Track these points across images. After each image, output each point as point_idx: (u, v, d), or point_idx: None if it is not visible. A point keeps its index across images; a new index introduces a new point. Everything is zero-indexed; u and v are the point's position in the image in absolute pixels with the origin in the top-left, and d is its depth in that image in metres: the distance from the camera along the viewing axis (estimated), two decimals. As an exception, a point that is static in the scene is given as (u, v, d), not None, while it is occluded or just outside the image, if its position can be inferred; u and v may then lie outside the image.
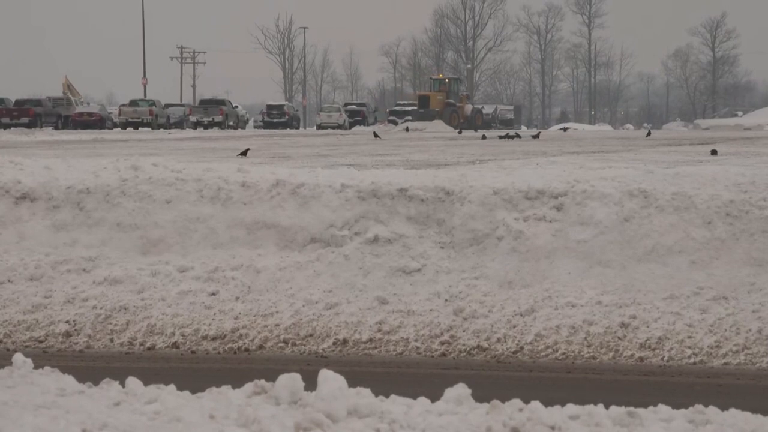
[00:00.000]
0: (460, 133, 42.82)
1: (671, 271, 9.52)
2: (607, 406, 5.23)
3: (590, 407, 5.18)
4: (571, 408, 5.18)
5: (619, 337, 8.91)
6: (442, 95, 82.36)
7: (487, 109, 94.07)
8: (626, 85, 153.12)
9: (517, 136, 42.55)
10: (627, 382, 8.27)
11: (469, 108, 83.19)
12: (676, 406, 5.37)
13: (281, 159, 21.88)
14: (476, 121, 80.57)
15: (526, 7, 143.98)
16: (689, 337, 8.83)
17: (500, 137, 41.79)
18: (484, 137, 41.31)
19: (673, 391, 7.90)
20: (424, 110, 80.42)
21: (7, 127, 62.23)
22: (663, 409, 5.30)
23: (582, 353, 8.83)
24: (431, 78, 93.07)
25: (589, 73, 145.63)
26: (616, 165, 16.20)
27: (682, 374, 8.45)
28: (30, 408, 4.84)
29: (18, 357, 5.89)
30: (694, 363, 8.64)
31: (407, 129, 61.18)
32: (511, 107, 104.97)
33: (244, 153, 22.96)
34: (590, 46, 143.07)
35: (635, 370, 8.58)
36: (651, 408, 5.30)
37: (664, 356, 8.72)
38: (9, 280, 10.01)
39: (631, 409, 5.20)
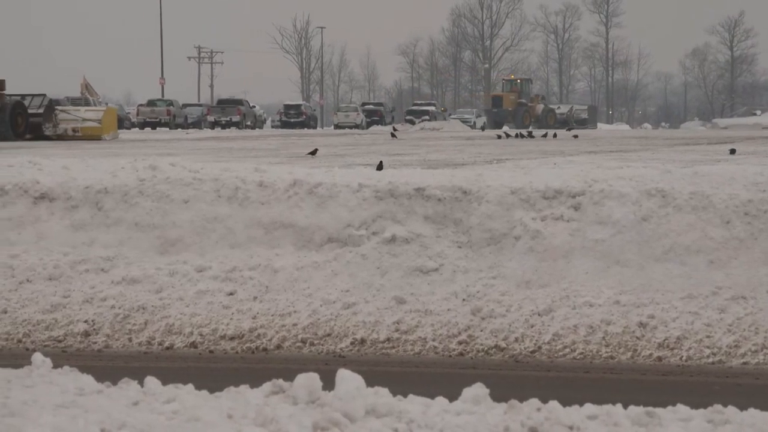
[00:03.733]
0: (530, 134, 42.94)
1: (689, 270, 9.50)
2: (625, 406, 5.22)
3: (608, 407, 5.17)
4: (589, 408, 5.17)
5: (637, 337, 8.89)
6: (514, 95, 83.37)
7: (563, 109, 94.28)
8: (644, 85, 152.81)
9: (530, 135, 42.54)
10: (645, 382, 8.25)
11: (540, 108, 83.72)
12: (695, 405, 5.35)
13: (299, 159, 21.90)
14: (548, 121, 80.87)
15: (543, 7, 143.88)
16: (708, 336, 8.81)
17: (516, 136, 41.85)
18: (499, 137, 41.32)
19: (691, 391, 7.88)
20: (497, 110, 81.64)
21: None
22: (682, 408, 5.29)
23: (600, 353, 8.82)
24: (503, 79, 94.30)
25: (607, 73, 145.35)
26: (634, 164, 16.16)
27: (701, 374, 8.42)
28: (49, 407, 4.85)
29: (37, 356, 5.90)
30: (713, 363, 8.62)
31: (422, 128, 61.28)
32: (586, 107, 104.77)
33: (313, 153, 22.98)
34: (608, 46, 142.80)
35: (653, 369, 8.56)
36: (670, 408, 5.28)
37: (682, 356, 8.70)
38: (28, 280, 10.04)
39: (650, 408, 5.19)
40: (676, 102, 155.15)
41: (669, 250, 9.69)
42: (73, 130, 40.75)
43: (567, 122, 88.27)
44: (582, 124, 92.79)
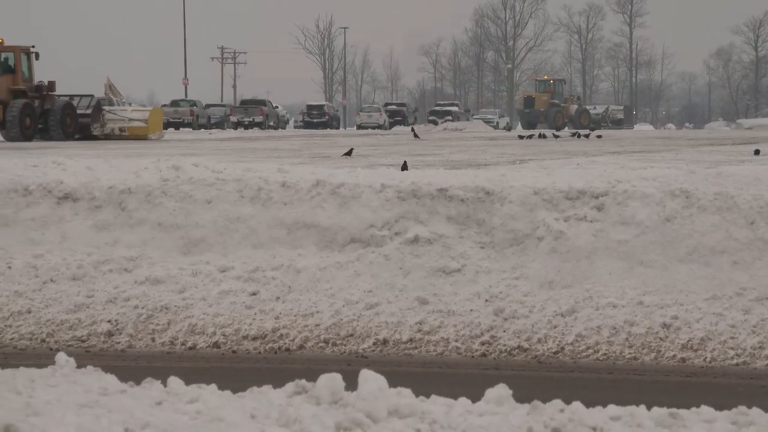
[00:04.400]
0: (556, 136, 43.03)
1: (713, 271, 9.46)
2: (649, 407, 5.21)
3: (632, 408, 5.16)
4: (612, 409, 5.16)
5: (660, 338, 8.86)
6: (546, 96, 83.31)
7: (598, 109, 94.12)
8: (668, 85, 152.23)
9: (543, 136, 42.52)
10: (669, 383, 8.22)
11: (573, 108, 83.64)
12: (719, 407, 5.33)
13: (321, 159, 21.92)
14: (582, 121, 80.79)
15: (566, 7, 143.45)
16: (732, 337, 8.77)
17: (537, 137, 41.85)
18: (521, 137, 41.29)
19: (715, 392, 7.85)
20: (529, 110, 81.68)
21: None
22: (705, 410, 5.27)
23: (623, 354, 8.79)
24: (536, 80, 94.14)
25: (631, 73, 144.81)
26: (658, 165, 16.11)
27: (725, 375, 8.39)
28: (73, 407, 4.87)
29: (61, 356, 5.92)
30: (737, 364, 8.58)
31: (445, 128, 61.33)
32: (622, 107, 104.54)
33: (348, 153, 23.02)
34: (631, 46, 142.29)
35: (677, 370, 8.53)
36: (693, 409, 5.27)
37: (706, 357, 8.67)
38: (52, 280, 10.08)
39: (674, 410, 5.17)
40: (700, 102, 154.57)
41: (693, 250, 9.65)
42: (120, 129, 41.58)
43: (602, 123, 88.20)
44: (618, 124, 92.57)
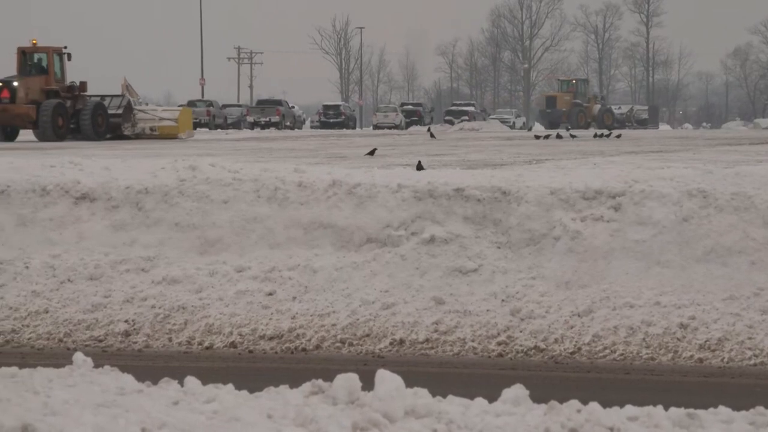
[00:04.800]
0: (596, 135, 43.11)
1: (731, 271, 9.43)
2: (666, 408, 5.19)
3: (649, 408, 5.15)
4: (629, 409, 5.15)
5: (678, 338, 8.84)
6: (569, 96, 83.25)
7: (623, 109, 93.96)
8: (685, 85, 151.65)
9: (560, 136, 42.48)
10: (686, 384, 8.20)
11: (596, 108, 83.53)
12: (737, 407, 5.32)
13: (338, 159, 21.93)
14: (605, 121, 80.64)
15: (583, 6, 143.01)
16: (749, 338, 8.75)
17: (556, 137, 41.79)
18: (537, 137, 41.26)
19: (733, 393, 7.82)
20: (551, 110, 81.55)
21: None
22: (723, 410, 5.26)
23: (640, 354, 8.77)
24: (558, 79, 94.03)
25: (647, 73, 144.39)
26: (675, 165, 16.07)
27: (743, 375, 8.37)
28: (90, 407, 4.88)
29: (78, 356, 5.94)
30: (755, 364, 8.56)
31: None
32: (646, 107, 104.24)
33: (371, 153, 23.10)
34: (648, 45, 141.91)
35: (695, 371, 8.51)
36: (711, 409, 5.26)
37: (724, 357, 8.65)
38: (69, 280, 10.11)
39: (691, 410, 5.16)
40: (717, 102, 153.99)
41: (710, 250, 9.62)
42: (151, 129, 42.20)
43: (626, 122, 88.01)
44: (642, 124, 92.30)
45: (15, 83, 39.12)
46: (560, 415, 5.02)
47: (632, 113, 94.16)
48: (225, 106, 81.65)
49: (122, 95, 42.64)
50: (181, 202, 10.86)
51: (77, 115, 39.93)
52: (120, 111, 41.73)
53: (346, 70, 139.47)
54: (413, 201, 10.50)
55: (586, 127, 70.96)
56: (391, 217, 10.41)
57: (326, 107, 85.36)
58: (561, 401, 5.17)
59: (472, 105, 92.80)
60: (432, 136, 42.29)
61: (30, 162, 12.23)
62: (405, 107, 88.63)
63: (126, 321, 9.61)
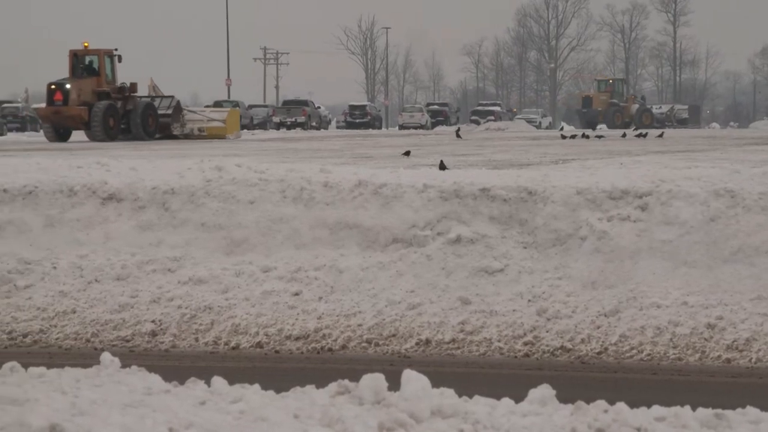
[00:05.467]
0: (624, 135, 43.06)
1: (759, 271, 9.38)
2: (693, 408, 5.17)
3: (677, 409, 5.13)
4: (657, 410, 5.13)
5: (705, 339, 8.80)
6: (606, 95, 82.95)
7: (663, 109, 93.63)
8: (712, 84, 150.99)
9: (586, 136, 42.33)
10: (714, 384, 8.17)
11: (634, 108, 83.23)
12: (765, 408, 5.29)
13: (363, 159, 21.93)
14: (644, 121, 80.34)
15: (610, 6, 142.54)
16: (777, 338, 8.70)
17: (583, 136, 41.68)
18: (563, 137, 41.14)
19: (761, 393, 7.79)
20: (586, 110, 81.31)
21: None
22: (751, 410, 5.23)
23: (668, 354, 8.74)
24: (595, 79, 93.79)
25: (675, 72, 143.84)
26: (702, 164, 16.00)
27: (771, 376, 8.32)
28: (118, 407, 4.89)
29: (106, 356, 5.96)
30: (783, 365, 8.51)
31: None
32: (686, 107, 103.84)
33: (406, 153, 23.24)
34: (675, 45, 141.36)
35: (722, 371, 8.47)
36: (739, 410, 5.23)
37: (751, 357, 8.60)
38: (96, 280, 10.15)
39: (719, 410, 5.14)
40: (744, 101, 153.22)
41: (738, 250, 9.58)
42: (199, 129, 42.75)
43: (666, 122, 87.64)
44: (682, 123, 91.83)
45: (67, 86, 39.89)
46: (587, 415, 5.01)
47: (672, 112, 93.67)
48: (251, 106, 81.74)
49: (171, 96, 43.16)
50: (208, 202, 10.88)
51: (128, 116, 40.57)
52: (169, 111, 42.38)
53: (372, 71, 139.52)
54: (439, 201, 10.50)
55: (624, 126, 70.53)
56: (416, 217, 10.41)
57: (352, 107, 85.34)
58: (588, 401, 5.16)
59: (498, 105, 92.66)
60: (458, 136, 42.22)
61: (57, 163, 12.29)
62: (431, 107, 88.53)
63: (153, 321, 9.64)
